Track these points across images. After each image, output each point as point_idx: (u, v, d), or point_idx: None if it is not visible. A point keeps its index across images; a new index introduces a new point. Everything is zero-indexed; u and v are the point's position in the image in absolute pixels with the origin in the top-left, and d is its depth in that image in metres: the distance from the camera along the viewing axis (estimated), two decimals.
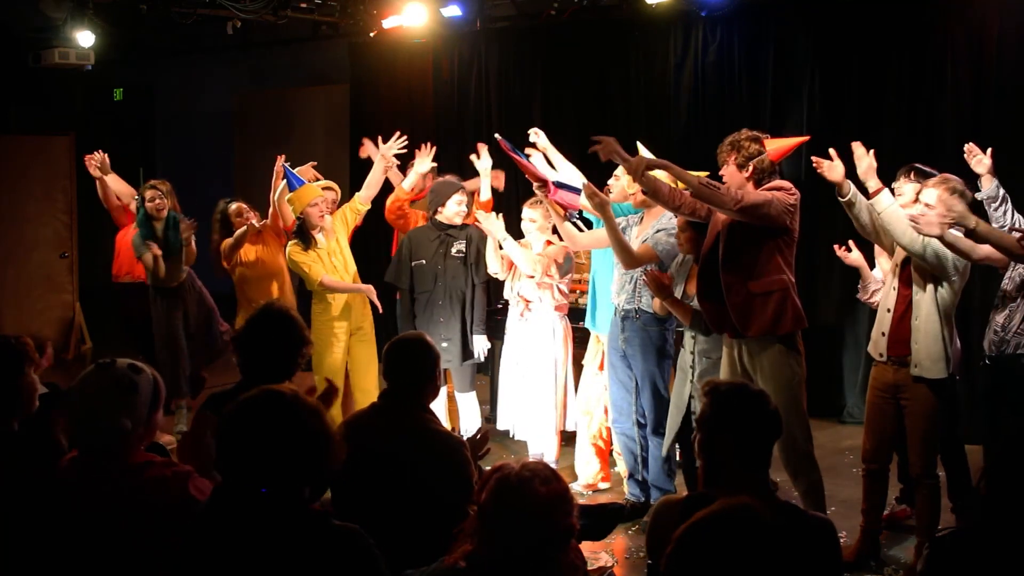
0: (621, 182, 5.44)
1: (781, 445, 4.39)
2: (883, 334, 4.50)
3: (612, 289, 5.27)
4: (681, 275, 4.92)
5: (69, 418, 2.65)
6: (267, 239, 6.48)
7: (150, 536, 2.48)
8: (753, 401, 2.63)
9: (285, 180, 6.02)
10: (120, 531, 2.48)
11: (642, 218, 5.27)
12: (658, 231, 5.06)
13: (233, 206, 6.52)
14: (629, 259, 4.91)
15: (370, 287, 5.91)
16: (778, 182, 4.41)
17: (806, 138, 4.68)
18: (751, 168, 4.35)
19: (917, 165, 4.80)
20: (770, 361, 4.36)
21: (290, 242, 5.93)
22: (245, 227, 6.35)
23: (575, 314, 5.91)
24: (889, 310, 4.50)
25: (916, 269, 4.37)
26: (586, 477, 5.72)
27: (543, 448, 5.85)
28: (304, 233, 5.86)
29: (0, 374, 3.05)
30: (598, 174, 5.92)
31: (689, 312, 4.75)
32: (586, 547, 3.65)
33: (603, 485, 5.72)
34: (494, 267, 5.72)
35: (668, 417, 4.97)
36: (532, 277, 5.58)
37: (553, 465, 5.76)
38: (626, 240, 4.98)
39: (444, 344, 5.63)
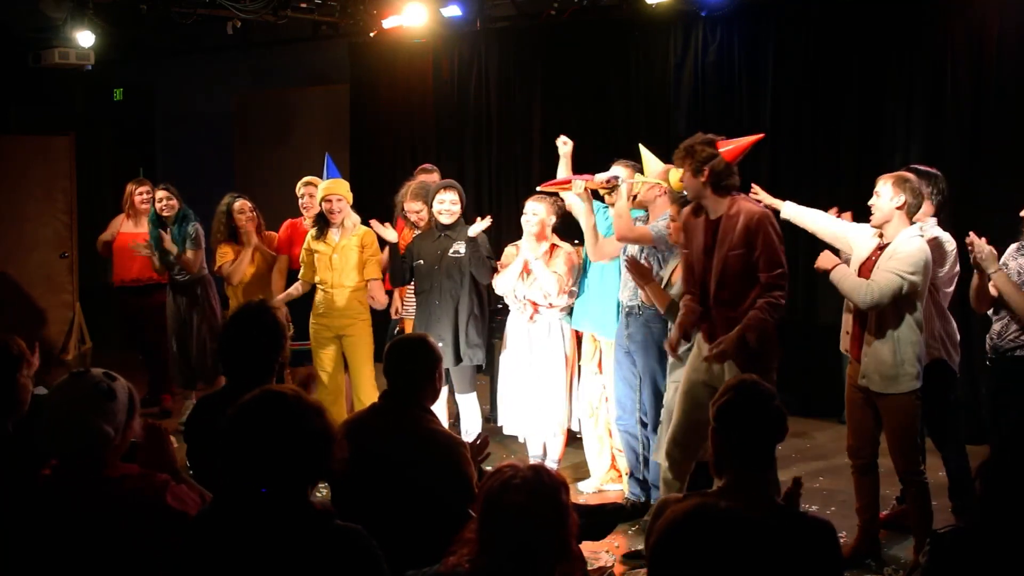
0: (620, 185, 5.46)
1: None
2: (847, 332, 4.58)
3: (620, 287, 5.30)
4: (669, 266, 4.91)
5: (46, 428, 2.58)
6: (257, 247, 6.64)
7: (127, 550, 2.45)
8: (758, 400, 2.63)
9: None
10: (97, 546, 2.45)
11: (647, 219, 5.28)
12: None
13: (237, 203, 6.59)
14: (597, 251, 5.16)
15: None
16: (759, 210, 4.40)
17: (760, 136, 4.71)
18: (706, 172, 4.34)
19: (914, 167, 4.82)
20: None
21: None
22: (243, 257, 6.51)
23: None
24: (849, 309, 4.62)
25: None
26: (598, 475, 5.73)
27: (546, 448, 5.85)
28: (324, 222, 6.06)
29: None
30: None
31: (667, 299, 4.78)
32: (586, 547, 3.66)
33: (611, 487, 5.73)
34: (503, 286, 5.73)
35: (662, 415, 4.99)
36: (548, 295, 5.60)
37: (554, 465, 5.78)
38: (596, 232, 5.23)
39: (440, 345, 5.63)
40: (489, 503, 2.28)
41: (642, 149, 5.28)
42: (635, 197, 5.43)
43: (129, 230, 7.32)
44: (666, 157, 6.19)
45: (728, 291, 4.32)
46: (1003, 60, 6.39)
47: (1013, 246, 4.67)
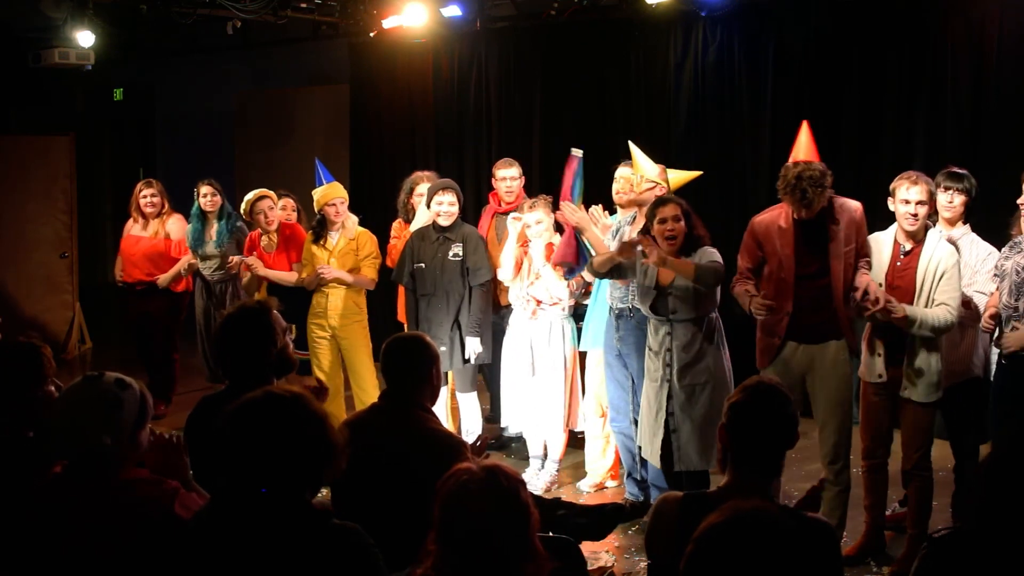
0: (618, 185, 5.47)
1: (833, 439, 4.55)
2: (877, 353, 4.55)
3: (607, 289, 5.29)
4: (650, 268, 4.82)
5: (52, 430, 2.60)
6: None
7: (131, 555, 2.45)
8: (773, 403, 2.62)
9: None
10: (100, 548, 2.45)
11: (635, 218, 5.28)
12: None
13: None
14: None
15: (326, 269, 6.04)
16: (856, 204, 4.64)
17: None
18: (830, 180, 4.48)
19: (950, 169, 4.81)
20: (834, 359, 4.52)
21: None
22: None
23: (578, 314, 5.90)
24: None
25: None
26: (596, 476, 5.73)
27: (546, 447, 5.85)
28: (322, 227, 6.11)
29: (21, 383, 3.03)
30: (597, 181, 5.92)
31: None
32: (586, 547, 3.66)
33: (611, 483, 5.74)
34: (506, 272, 5.71)
35: (645, 425, 4.92)
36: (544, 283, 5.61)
37: (555, 465, 5.78)
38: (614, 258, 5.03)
39: (443, 348, 5.63)
40: (445, 506, 2.23)
41: (632, 147, 5.26)
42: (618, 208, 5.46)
43: (137, 233, 7.25)
44: (666, 157, 6.20)
45: (846, 286, 4.46)
46: (1003, 60, 6.39)
47: (1006, 248, 4.62)
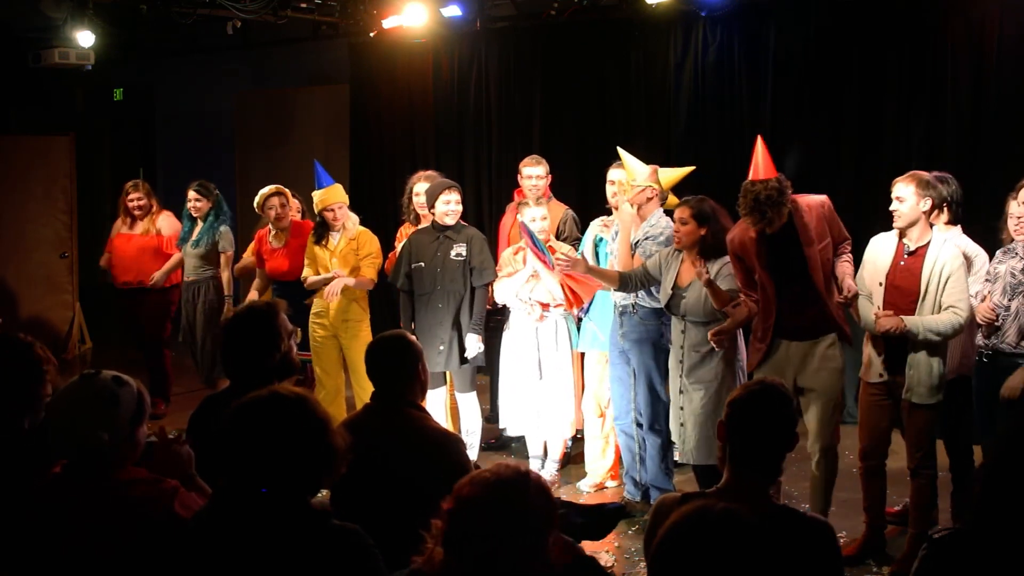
0: (614, 187, 5.47)
1: (813, 426, 4.64)
2: (879, 354, 4.55)
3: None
4: (672, 266, 4.89)
5: (50, 428, 2.60)
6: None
7: (130, 554, 2.45)
8: (772, 403, 2.61)
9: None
10: (99, 547, 2.45)
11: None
12: (647, 237, 5.09)
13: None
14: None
15: (338, 275, 5.98)
16: (818, 198, 4.65)
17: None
18: (788, 198, 4.50)
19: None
20: (824, 353, 4.57)
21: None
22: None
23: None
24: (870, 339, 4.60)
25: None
26: (596, 476, 5.73)
27: (546, 447, 5.85)
28: (323, 228, 6.13)
29: (19, 377, 3.04)
30: (597, 181, 5.91)
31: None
32: (586, 547, 3.65)
33: (611, 483, 5.74)
34: (513, 281, 5.71)
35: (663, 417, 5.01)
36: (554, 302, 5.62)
37: (555, 465, 5.78)
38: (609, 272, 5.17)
39: (441, 348, 5.63)
40: (460, 503, 2.15)
41: (622, 152, 5.26)
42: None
43: (127, 232, 7.32)
44: (666, 157, 6.20)
45: (827, 281, 4.51)
46: (1003, 60, 6.39)
47: (999, 253, 4.64)
